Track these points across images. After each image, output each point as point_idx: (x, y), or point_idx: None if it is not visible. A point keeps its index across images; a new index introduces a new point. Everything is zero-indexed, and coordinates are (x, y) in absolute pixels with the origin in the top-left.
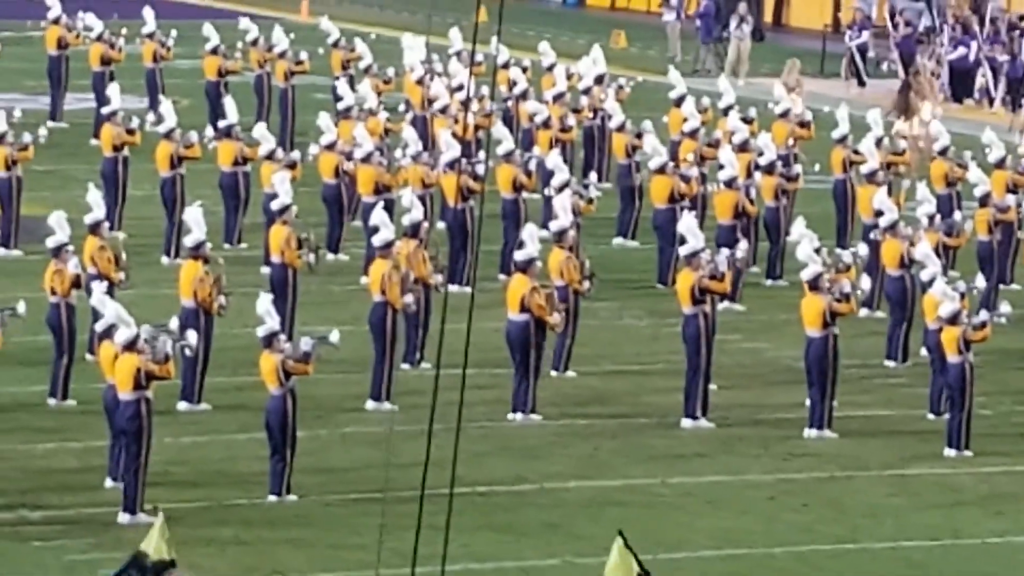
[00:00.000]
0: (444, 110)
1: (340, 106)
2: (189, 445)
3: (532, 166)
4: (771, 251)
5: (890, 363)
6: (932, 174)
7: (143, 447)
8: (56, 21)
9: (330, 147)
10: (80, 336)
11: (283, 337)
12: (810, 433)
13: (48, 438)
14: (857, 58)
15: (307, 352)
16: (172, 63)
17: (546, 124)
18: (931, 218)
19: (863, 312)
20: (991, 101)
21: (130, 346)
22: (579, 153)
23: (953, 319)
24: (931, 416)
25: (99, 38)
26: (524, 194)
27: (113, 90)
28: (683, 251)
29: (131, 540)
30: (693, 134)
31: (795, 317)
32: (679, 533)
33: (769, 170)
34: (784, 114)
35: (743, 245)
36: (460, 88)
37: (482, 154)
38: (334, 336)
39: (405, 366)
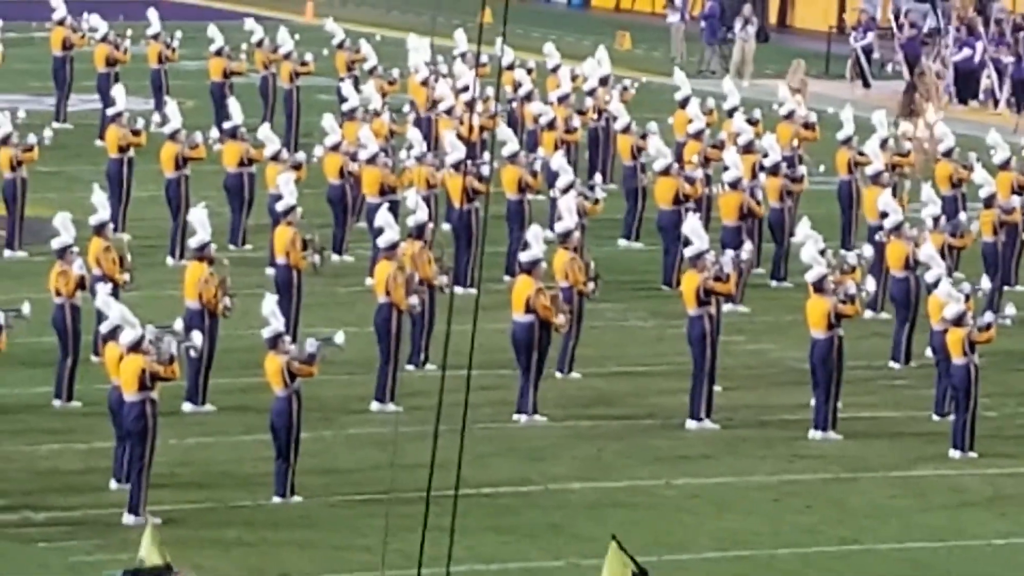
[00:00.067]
0: (449, 111)
1: (345, 107)
2: (194, 446)
3: (537, 167)
4: (776, 252)
5: (895, 364)
6: (937, 175)
7: (148, 448)
8: (61, 22)
9: (335, 148)
10: (85, 337)
11: (288, 338)
12: (815, 434)
13: (53, 439)
14: (862, 59)
15: (312, 353)
16: (177, 64)
17: (551, 125)
18: (936, 219)
19: (868, 314)
20: (996, 102)
21: (135, 347)
22: (584, 154)
23: (958, 320)
24: (936, 417)
25: (104, 39)
26: (529, 195)
27: (118, 91)
28: (688, 252)
29: (136, 541)
30: (698, 135)
31: (800, 318)
32: (683, 534)
33: (774, 171)
34: (789, 115)
35: (748, 246)
36: (465, 89)
37: (487, 155)
38: (339, 337)
39: (410, 367)
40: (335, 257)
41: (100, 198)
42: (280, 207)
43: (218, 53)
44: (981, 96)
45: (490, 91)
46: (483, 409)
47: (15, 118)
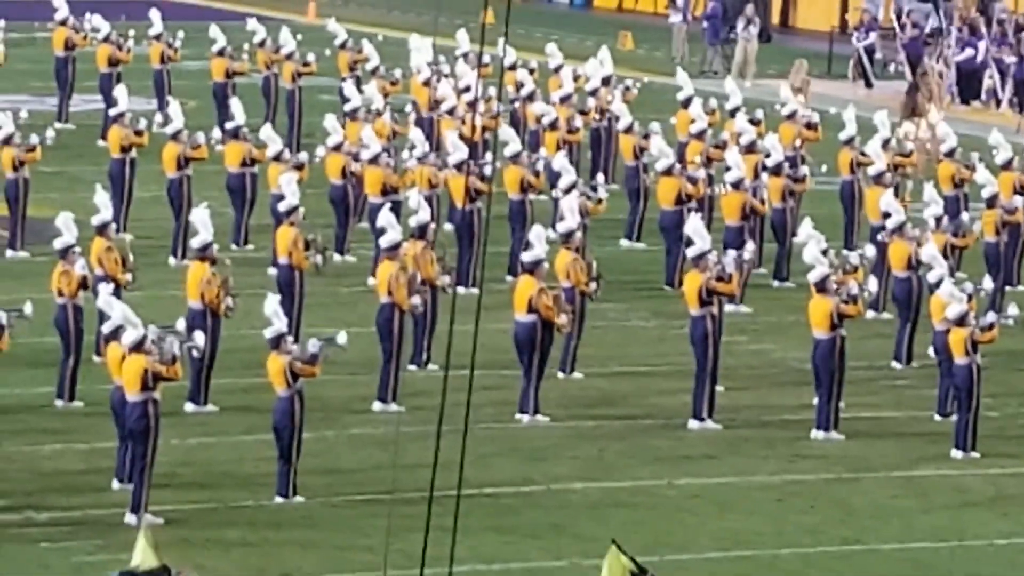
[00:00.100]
0: (451, 111)
1: (347, 107)
2: (196, 446)
3: (539, 167)
4: (778, 252)
5: (897, 365)
6: (939, 175)
7: (150, 448)
8: (63, 22)
9: (337, 148)
10: (87, 337)
11: (290, 339)
12: (817, 434)
13: (55, 439)
14: (864, 59)
15: (314, 354)
16: (179, 64)
17: (553, 125)
18: (938, 220)
19: (870, 314)
20: (998, 102)
21: (137, 347)
22: (586, 154)
23: (960, 320)
24: (938, 417)
25: (106, 39)
26: (531, 195)
27: (120, 91)
28: (690, 253)
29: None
30: (700, 135)
31: (802, 319)
32: (686, 535)
33: (776, 171)
34: (791, 115)
35: (750, 247)
36: (467, 89)
37: (489, 155)
38: (341, 337)
39: (412, 367)
40: (337, 257)
41: (102, 198)
42: (282, 207)
43: (220, 53)
44: (983, 96)
45: (492, 91)
46: (485, 409)
47: (17, 118)
